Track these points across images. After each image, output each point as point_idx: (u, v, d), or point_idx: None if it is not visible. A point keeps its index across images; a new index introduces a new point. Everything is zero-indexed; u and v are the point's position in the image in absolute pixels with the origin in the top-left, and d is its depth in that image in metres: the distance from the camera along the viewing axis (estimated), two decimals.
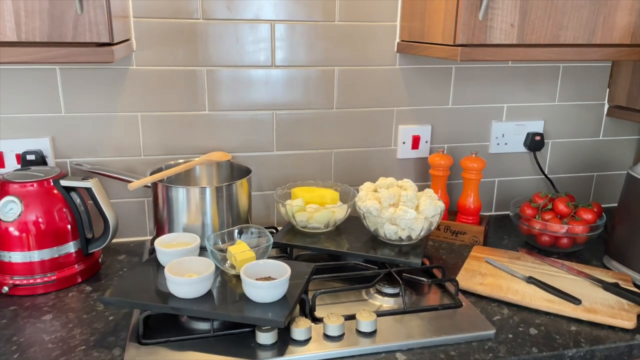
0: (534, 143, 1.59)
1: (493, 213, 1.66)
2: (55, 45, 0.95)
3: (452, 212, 1.50)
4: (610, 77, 1.60)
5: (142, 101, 1.33)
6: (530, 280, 1.18)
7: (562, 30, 1.15)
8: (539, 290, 1.14)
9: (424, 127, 1.51)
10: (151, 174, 1.25)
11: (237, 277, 1.06)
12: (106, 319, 1.05)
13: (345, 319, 0.99)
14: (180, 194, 1.18)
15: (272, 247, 1.16)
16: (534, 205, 1.41)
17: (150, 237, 1.43)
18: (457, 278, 1.17)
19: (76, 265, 1.18)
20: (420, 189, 1.38)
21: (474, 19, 1.10)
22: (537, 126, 1.59)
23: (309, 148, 1.47)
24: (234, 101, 1.38)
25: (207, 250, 1.08)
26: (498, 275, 1.21)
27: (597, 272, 1.24)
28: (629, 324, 1.03)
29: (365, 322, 0.98)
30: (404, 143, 1.51)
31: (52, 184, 1.15)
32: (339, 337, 0.97)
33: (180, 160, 1.34)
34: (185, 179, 1.35)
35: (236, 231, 1.16)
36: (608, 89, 1.62)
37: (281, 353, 0.93)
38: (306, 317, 1.02)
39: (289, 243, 1.22)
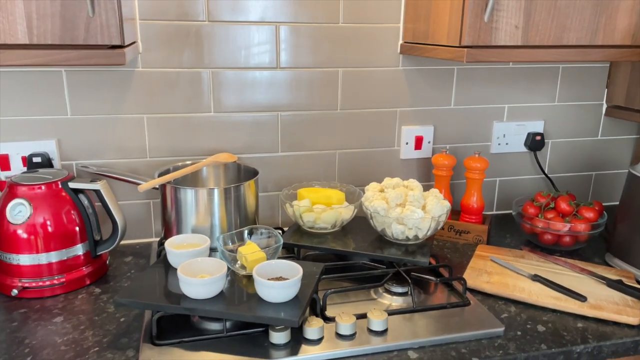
0: (535, 143, 1.61)
1: (494, 212, 1.68)
2: (67, 48, 0.95)
3: (455, 211, 1.51)
4: (608, 77, 1.63)
5: (148, 103, 1.33)
6: (536, 278, 1.19)
7: (565, 32, 1.17)
8: (544, 288, 1.16)
9: (427, 128, 1.53)
10: (159, 175, 1.25)
11: (248, 277, 1.07)
12: (117, 320, 1.05)
13: (357, 318, 1.00)
14: (188, 195, 1.18)
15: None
16: (536, 204, 1.43)
17: (156, 239, 1.43)
18: (464, 277, 1.18)
19: (84, 268, 1.18)
20: (424, 189, 1.39)
21: (480, 21, 1.11)
22: (537, 126, 1.62)
23: (313, 149, 1.48)
24: (239, 103, 1.39)
25: (216, 251, 1.09)
26: (504, 274, 1.23)
27: (600, 270, 1.26)
28: (634, 319, 1.05)
29: (377, 321, 0.99)
30: (407, 143, 1.53)
31: (60, 186, 1.15)
32: (351, 336, 0.98)
33: (188, 162, 1.34)
34: (193, 180, 1.36)
35: (246, 232, 1.16)
36: (606, 89, 1.64)
37: (294, 352, 0.94)
38: (317, 316, 1.02)
39: (296, 243, 1.23)
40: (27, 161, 1.27)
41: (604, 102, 1.65)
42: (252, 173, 1.32)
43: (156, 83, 1.32)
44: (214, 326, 1.01)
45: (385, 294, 1.14)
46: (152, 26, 1.28)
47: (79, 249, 1.17)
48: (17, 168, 1.28)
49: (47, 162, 1.28)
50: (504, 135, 1.60)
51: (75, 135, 1.31)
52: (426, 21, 1.29)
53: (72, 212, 1.15)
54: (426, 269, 1.22)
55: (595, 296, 1.13)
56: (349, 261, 1.27)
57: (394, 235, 1.21)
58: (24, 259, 1.12)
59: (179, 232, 1.21)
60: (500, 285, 1.17)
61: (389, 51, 1.44)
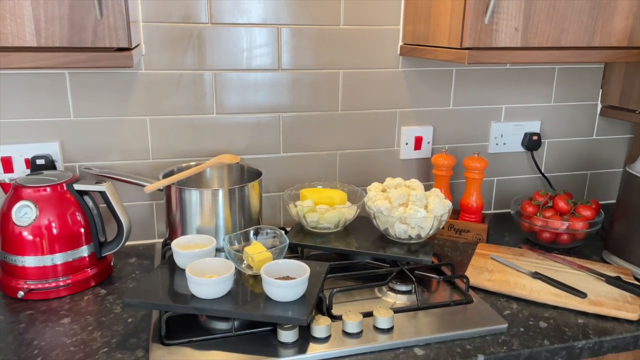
0: (531, 143, 1.64)
1: (492, 211, 1.71)
2: (75, 50, 0.96)
3: (454, 210, 1.53)
4: (603, 78, 1.66)
5: (151, 105, 1.34)
6: (536, 275, 1.21)
7: (563, 34, 1.19)
8: (545, 285, 1.18)
9: (426, 128, 1.55)
10: (164, 176, 1.26)
11: (254, 277, 1.08)
12: (125, 321, 1.06)
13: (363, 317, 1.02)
14: (193, 196, 1.19)
15: None
16: (534, 203, 1.46)
17: (159, 240, 1.44)
18: (466, 274, 1.20)
19: (89, 269, 1.19)
20: (424, 189, 1.41)
21: (480, 23, 1.13)
22: (534, 126, 1.64)
23: (315, 150, 1.49)
24: (241, 104, 1.40)
25: (222, 251, 1.10)
26: (504, 271, 1.25)
27: (598, 267, 1.28)
28: (633, 315, 1.08)
29: (383, 319, 1.01)
30: (406, 144, 1.55)
31: (65, 188, 1.15)
32: (358, 334, 1.00)
33: (192, 163, 1.35)
34: (196, 181, 1.37)
35: (252, 232, 1.17)
36: (601, 90, 1.67)
37: (303, 351, 0.95)
38: (323, 315, 1.04)
39: (300, 243, 1.24)
40: (31, 163, 1.27)
41: (599, 102, 1.68)
42: (255, 174, 1.33)
43: (159, 85, 1.33)
44: (221, 325, 1.02)
45: (389, 293, 1.15)
46: (155, 28, 1.29)
47: (84, 251, 1.17)
48: (20, 170, 1.28)
49: (50, 164, 1.28)
50: (502, 135, 1.62)
51: (78, 137, 1.32)
52: (426, 23, 1.31)
53: (78, 213, 1.16)
54: (428, 268, 1.23)
55: (595, 293, 1.15)
56: (351, 260, 1.28)
57: (396, 235, 1.23)
58: (29, 261, 1.12)
59: (183, 232, 1.22)
60: (501, 283, 1.19)
61: (389, 53, 1.46)
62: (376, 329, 1.01)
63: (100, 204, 1.22)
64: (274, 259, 1.07)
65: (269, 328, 1.00)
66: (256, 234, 1.18)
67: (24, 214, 1.11)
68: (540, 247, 1.42)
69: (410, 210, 1.19)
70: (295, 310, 0.96)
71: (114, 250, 1.21)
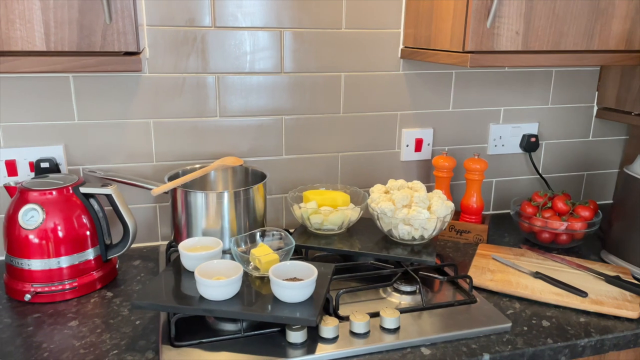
0: (529, 144, 1.66)
1: (491, 212, 1.73)
2: (84, 55, 0.97)
3: (455, 211, 1.55)
4: (599, 80, 1.68)
5: (154, 108, 1.35)
6: (538, 275, 1.23)
7: (563, 38, 1.22)
8: (546, 285, 1.20)
9: (427, 131, 1.57)
10: (169, 179, 1.26)
11: (260, 278, 1.09)
12: (133, 323, 1.06)
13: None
14: (199, 198, 1.20)
15: None
16: (534, 204, 1.48)
17: (163, 242, 1.45)
18: (469, 275, 1.21)
19: (95, 272, 1.19)
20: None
21: (482, 27, 1.15)
22: (532, 128, 1.66)
23: (317, 152, 1.50)
24: (244, 107, 1.41)
25: (227, 253, 1.11)
26: (506, 272, 1.26)
27: (597, 266, 1.31)
28: (634, 313, 1.10)
29: (390, 319, 1.02)
30: (407, 146, 1.56)
31: (72, 191, 1.15)
32: (365, 335, 1.01)
33: (197, 166, 1.36)
34: (200, 183, 1.37)
35: (258, 234, 1.18)
36: (597, 92, 1.70)
37: (312, 351, 0.96)
38: (330, 315, 1.05)
39: (305, 245, 1.25)
40: (35, 166, 1.27)
41: (595, 104, 1.71)
42: (259, 176, 1.34)
43: (162, 88, 1.34)
44: (229, 327, 1.03)
45: (394, 293, 1.17)
46: (159, 32, 1.30)
47: (90, 254, 1.18)
48: (24, 173, 1.28)
49: (54, 167, 1.28)
50: (500, 137, 1.64)
51: (82, 140, 1.32)
52: (428, 27, 1.33)
53: (84, 216, 1.16)
54: (432, 268, 1.25)
55: (595, 292, 1.18)
56: (355, 262, 1.29)
57: (400, 236, 1.24)
58: (36, 264, 1.12)
59: (189, 235, 1.23)
60: (504, 283, 1.21)
61: (390, 56, 1.48)
62: (383, 329, 1.03)
63: (105, 206, 1.22)
64: (280, 261, 1.08)
65: (277, 329, 1.01)
66: (262, 235, 1.19)
67: (30, 217, 1.11)
68: (539, 247, 1.44)
69: (414, 211, 1.21)
70: (304, 311, 0.97)
71: (120, 253, 1.22)
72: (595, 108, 1.71)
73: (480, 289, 1.21)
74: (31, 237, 1.11)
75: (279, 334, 1.01)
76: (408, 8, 1.42)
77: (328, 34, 1.41)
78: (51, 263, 1.13)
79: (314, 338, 0.99)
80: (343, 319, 1.05)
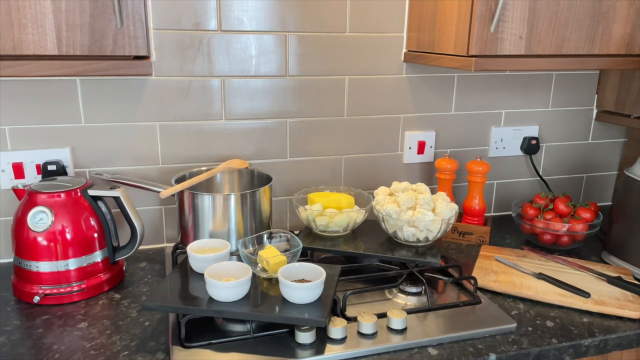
0: (530, 147, 1.68)
1: (492, 214, 1.74)
2: (95, 59, 0.98)
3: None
4: (598, 84, 1.71)
5: (160, 111, 1.36)
6: (541, 276, 1.25)
7: (565, 42, 1.23)
8: (549, 286, 1.22)
9: (429, 133, 1.58)
10: (176, 181, 1.27)
11: (268, 280, 1.10)
12: (142, 324, 1.07)
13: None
14: (206, 201, 1.21)
15: None
16: (535, 206, 1.49)
17: (168, 244, 1.45)
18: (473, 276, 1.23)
19: (102, 274, 1.20)
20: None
21: (486, 31, 1.17)
22: (532, 131, 1.68)
23: (321, 154, 1.51)
24: (249, 110, 1.42)
25: (235, 255, 1.12)
26: (509, 273, 1.28)
27: (598, 267, 1.33)
28: (636, 314, 1.11)
29: (397, 320, 1.03)
30: (410, 148, 1.58)
31: (80, 193, 1.16)
32: (373, 335, 1.02)
33: (203, 168, 1.37)
34: (206, 186, 1.38)
35: (265, 236, 1.19)
36: (596, 95, 1.72)
37: (320, 352, 0.97)
38: (338, 316, 1.06)
39: (311, 246, 1.26)
40: (42, 169, 1.28)
41: (594, 107, 1.73)
42: (264, 179, 1.36)
43: (169, 91, 1.35)
44: (238, 328, 1.04)
45: (399, 294, 1.18)
46: (165, 35, 1.31)
47: (97, 256, 1.18)
48: (31, 176, 1.29)
49: (61, 170, 1.29)
50: (502, 139, 1.66)
51: (89, 143, 1.33)
52: (431, 31, 1.34)
53: (92, 219, 1.17)
54: (436, 269, 1.26)
55: (598, 292, 1.19)
56: (360, 263, 1.31)
57: (405, 238, 1.26)
58: (44, 266, 1.13)
59: (196, 237, 1.24)
60: (507, 284, 1.22)
61: (393, 59, 1.49)
62: (390, 329, 1.04)
63: (113, 208, 1.23)
64: (288, 262, 1.10)
65: (285, 330, 1.02)
66: (270, 237, 1.20)
67: (39, 219, 1.12)
68: (541, 249, 1.46)
69: (419, 213, 1.22)
70: (312, 312, 0.98)
71: (128, 255, 1.22)
72: (595, 111, 1.73)
73: (485, 290, 1.22)
74: (40, 239, 1.12)
75: (287, 334, 1.02)
76: (411, 12, 1.44)
77: (332, 38, 1.43)
78: (59, 265, 1.14)
79: (322, 339, 1.00)
80: (351, 319, 1.06)
